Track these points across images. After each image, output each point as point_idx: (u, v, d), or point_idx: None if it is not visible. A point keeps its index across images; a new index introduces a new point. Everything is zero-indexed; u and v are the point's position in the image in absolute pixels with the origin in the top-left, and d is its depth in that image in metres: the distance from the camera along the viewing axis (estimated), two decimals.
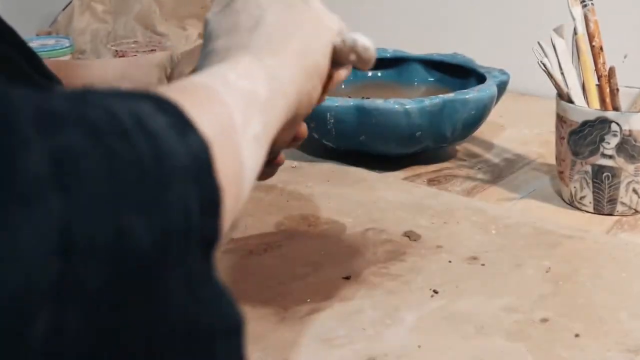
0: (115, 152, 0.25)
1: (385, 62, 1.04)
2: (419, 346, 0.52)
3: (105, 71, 0.63)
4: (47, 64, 0.63)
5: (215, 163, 0.30)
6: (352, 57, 0.47)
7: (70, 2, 1.23)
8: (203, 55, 0.44)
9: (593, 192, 0.72)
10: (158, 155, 0.26)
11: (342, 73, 0.48)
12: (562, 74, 0.73)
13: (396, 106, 0.80)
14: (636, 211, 0.72)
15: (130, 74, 0.61)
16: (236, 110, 0.35)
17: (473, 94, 0.83)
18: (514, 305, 0.57)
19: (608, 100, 0.72)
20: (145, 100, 0.29)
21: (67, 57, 1.11)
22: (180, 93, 0.32)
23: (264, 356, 0.50)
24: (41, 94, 0.25)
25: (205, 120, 0.31)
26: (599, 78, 0.73)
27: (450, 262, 0.64)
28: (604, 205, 0.72)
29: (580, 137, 0.71)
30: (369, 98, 0.84)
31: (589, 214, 0.73)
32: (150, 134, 0.27)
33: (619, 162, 0.70)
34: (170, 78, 0.60)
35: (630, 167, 0.70)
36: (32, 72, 0.49)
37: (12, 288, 0.20)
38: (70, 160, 0.23)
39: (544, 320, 0.54)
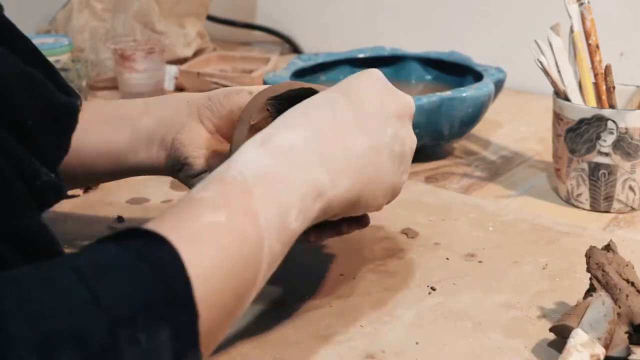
0: None
1: (383, 60, 1.04)
2: (417, 343, 0.52)
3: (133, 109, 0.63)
4: None
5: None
6: None
7: (69, 0, 1.23)
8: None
9: (590, 189, 0.72)
10: None
11: None
12: (559, 71, 0.74)
13: None
14: (632, 208, 0.73)
15: (158, 108, 0.61)
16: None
17: (470, 91, 0.83)
18: (511, 301, 0.57)
19: (604, 97, 0.73)
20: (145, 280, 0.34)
21: (66, 56, 1.11)
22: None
23: (262, 353, 0.51)
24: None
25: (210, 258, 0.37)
26: (595, 76, 0.74)
27: (447, 259, 0.64)
28: (601, 202, 0.73)
29: (577, 135, 0.71)
30: None
31: (586, 211, 0.74)
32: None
33: (616, 159, 0.70)
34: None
35: (626, 165, 0.70)
36: (54, 90, 0.50)
37: None
38: None
39: (541, 316, 0.55)
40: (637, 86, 0.76)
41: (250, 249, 0.39)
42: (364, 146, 0.48)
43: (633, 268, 0.52)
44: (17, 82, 0.46)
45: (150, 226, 0.37)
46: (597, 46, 0.73)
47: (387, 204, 0.54)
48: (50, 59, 1.06)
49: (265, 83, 0.90)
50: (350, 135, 0.47)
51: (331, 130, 0.46)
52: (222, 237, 0.38)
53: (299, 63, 0.99)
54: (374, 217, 0.72)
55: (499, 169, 0.86)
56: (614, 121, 0.69)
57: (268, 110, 0.55)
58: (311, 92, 0.54)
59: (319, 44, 1.36)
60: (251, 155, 0.42)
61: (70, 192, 0.75)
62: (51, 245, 0.47)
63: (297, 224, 0.42)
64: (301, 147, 0.44)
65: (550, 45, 0.74)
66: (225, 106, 0.59)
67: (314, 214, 0.44)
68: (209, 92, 0.61)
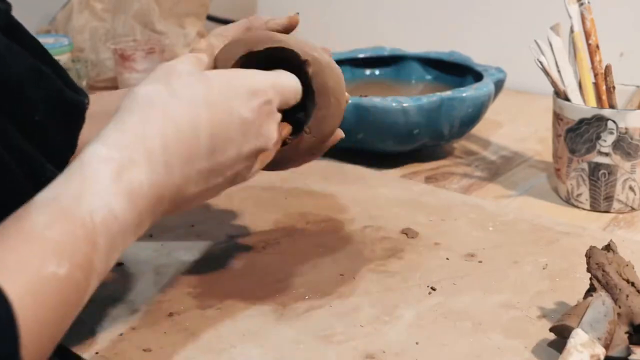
0: None
1: (383, 61, 1.05)
2: (417, 343, 0.52)
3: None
4: None
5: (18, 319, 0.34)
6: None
7: (69, 0, 1.23)
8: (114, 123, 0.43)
9: (590, 189, 0.72)
10: None
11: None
12: (559, 71, 0.74)
13: (394, 104, 0.81)
14: (632, 208, 0.73)
15: None
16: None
17: (470, 91, 0.83)
18: (511, 301, 0.57)
19: (604, 97, 0.73)
20: None
21: (66, 56, 1.11)
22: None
23: (262, 353, 0.51)
24: None
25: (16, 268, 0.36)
26: (595, 76, 0.74)
27: (447, 259, 0.64)
28: (601, 202, 0.73)
29: (577, 135, 0.71)
30: (367, 96, 0.84)
31: (586, 211, 0.74)
32: None
33: (616, 159, 0.70)
34: None
35: (626, 165, 0.70)
36: (63, 87, 0.50)
37: None
38: None
39: (541, 316, 0.55)
40: (637, 86, 0.76)
41: (78, 297, 0.39)
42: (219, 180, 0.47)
43: (633, 268, 0.52)
44: (27, 75, 0.46)
45: None
46: (597, 46, 0.73)
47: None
48: None
49: None
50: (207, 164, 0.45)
51: (180, 166, 0.44)
52: (58, 289, 0.37)
53: None
54: (375, 217, 0.72)
55: (499, 169, 0.86)
56: (614, 121, 0.69)
57: (240, 64, 0.53)
58: (287, 52, 0.53)
59: (319, 43, 1.36)
60: (103, 193, 0.40)
61: None
62: None
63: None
64: (145, 189, 0.42)
65: (550, 45, 0.74)
66: None
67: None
68: None
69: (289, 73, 0.52)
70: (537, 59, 0.72)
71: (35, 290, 0.36)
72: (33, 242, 0.37)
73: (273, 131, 0.49)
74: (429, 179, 0.83)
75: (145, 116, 0.42)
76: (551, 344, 0.51)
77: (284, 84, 0.50)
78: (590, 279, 0.52)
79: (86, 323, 0.53)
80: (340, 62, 1.03)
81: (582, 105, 0.73)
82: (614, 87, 0.72)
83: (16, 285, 0.35)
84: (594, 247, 0.53)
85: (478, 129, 0.95)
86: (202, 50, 0.54)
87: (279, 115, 0.50)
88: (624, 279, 0.51)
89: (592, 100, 0.74)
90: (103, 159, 0.40)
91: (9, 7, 0.53)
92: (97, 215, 0.39)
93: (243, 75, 0.48)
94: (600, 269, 0.51)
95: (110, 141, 0.40)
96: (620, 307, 0.49)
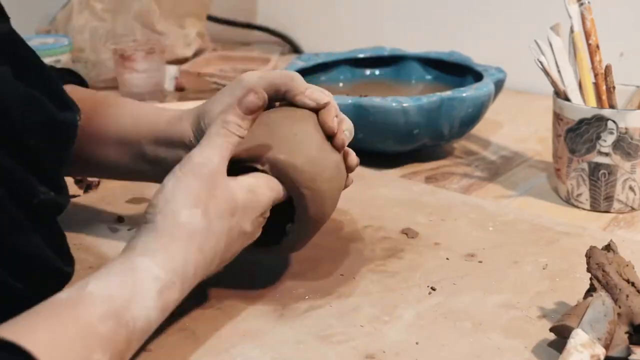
0: None
1: (383, 61, 1.05)
2: (417, 343, 0.52)
3: (137, 119, 0.64)
4: (85, 94, 0.64)
5: None
6: None
7: (69, 0, 1.23)
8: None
9: (590, 189, 0.72)
10: None
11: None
12: (559, 71, 0.74)
13: (394, 104, 0.81)
14: (632, 208, 0.73)
15: (164, 130, 0.62)
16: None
17: (470, 92, 0.83)
18: (511, 301, 0.57)
19: (604, 98, 0.73)
20: None
21: (66, 56, 1.11)
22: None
23: (262, 353, 0.51)
24: None
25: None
26: (595, 76, 0.74)
27: (447, 259, 0.64)
28: (601, 202, 0.73)
29: (577, 135, 0.71)
30: (367, 96, 0.84)
31: (586, 211, 0.74)
32: None
33: (616, 159, 0.70)
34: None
35: (626, 165, 0.70)
36: (54, 110, 0.51)
37: None
38: None
39: (541, 316, 0.55)
40: (637, 86, 0.76)
41: None
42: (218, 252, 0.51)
43: (633, 268, 0.52)
44: (19, 104, 0.47)
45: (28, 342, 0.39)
46: (597, 46, 0.73)
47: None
48: (50, 59, 1.07)
49: None
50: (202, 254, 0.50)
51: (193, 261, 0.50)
52: None
53: (299, 63, 0.99)
54: (375, 217, 0.72)
55: (499, 169, 0.86)
56: (614, 121, 0.69)
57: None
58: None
59: (319, 44, 1.36)
60: (147, 305, 0.46)
61: (70, 192, 0.75)
62: (47, 263, 0.48)
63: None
64: (176, 302, 0.49)
65: (550, 45, 0.74)
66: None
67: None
68: (197, 111, 0.61)
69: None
70: (537, 59, 0.72)
71: None
72: (86, 332, 0.42)
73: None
74: (429, 179, 0.83)
75: (186, 246, 0.49)
76: (551, 344, 0.51)
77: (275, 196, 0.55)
78: (590, 279, 0.52)
79: None
80: (340, 62, 1.03)
81: (582, 105, 0.73)
82: (614, 87, 0.72)
83: None
84: (594, 247, 0.53)
85: (478, 129, 0.95)
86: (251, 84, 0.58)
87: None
88: (624, 279, 0.51)
89: (592, 100, 0.74)
90: (152, 277, 0.47)
91: (7, 23, 0.53)
92: (138, 321, 0.45)
93: (260, 198, 0.53)
94: (600, 269, 0.51)
95: (160, 262, 0.48)
96: (620, 307, 0.49)
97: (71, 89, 0.63)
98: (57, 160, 0.53)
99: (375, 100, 0.81)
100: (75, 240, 0.67)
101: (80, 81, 0.71)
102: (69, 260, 0.53)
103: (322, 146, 0.56)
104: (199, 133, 0.59)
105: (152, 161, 0.63)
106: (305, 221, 0.55)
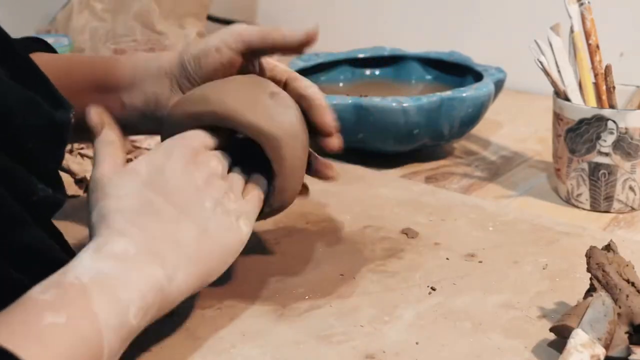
0: None
1: (383, 61, 1.05)
2: (417, 343, 0.52)
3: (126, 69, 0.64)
4: (51, 59, 0.64)
5: None
6: None
7: (69, 0, 1.23)
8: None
9: (590, 189, 0.72)
10: None
11: None
12: (559, 71, 0.74)
13: (394, 104, 0.81)
14: (633, 208, 0.73)
15: (141, 81, 0.61)
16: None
17: (470, 91, 0.83)
18: (511, 301, 0.57)
19: (604, 98, 0.73)
20: None
21: None
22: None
23: (262, 353, 0.51)
24: None
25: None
26: (595, 76, 0.74)
27: (447, 259, 0.64)
28: (601, 202, 0.73)
29: (577, 135, 0.71)
30: (366, 96, 0.84)
31: (586, 211, 0.74)
32: None
33: (616, 159, 0.70)
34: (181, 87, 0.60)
35: (626, 165, 0.70)
36: (50, 110, 0.51)
37: None
38: None
39: (541, 316, 0.55)
40: (637, 86, 0.76)
41: (90, 348, 0.41)
42: (192, 232, 0.49)
43: (633, 268, 0.52)
44: (18, 106, 0.47)
45: None
46: (597, 46, 0.73)
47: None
48: None
49: None
50: (176, 227, 0.49)
51: (158, 230, 0.48)
52: (62, 337, 0.40)
53: (299, 63, 0.99)
54: (375, 217, 0.72)
55: (499, 169, 0.86)
56: (614, 121, 0.69)
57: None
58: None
59: (319, 44, 1.35)
60: (87, 261, 0.44)
61: (70, 192, 0.75)
62: (51, 254, 0.48)
63: (136, 320, 0.44)
64: (132, 250, 0.46)
65: (550, 45, 0.74)
66: (199, 74, 0.60)
67: (155, 309, 0.46)
68: (180, 57, 0.60)
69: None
70: (537, 59, 0.72)
71: (38, 339, 0.39)
72: (27, 305, 0.41)
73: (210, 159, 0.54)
74: (429, 179, 0.83)
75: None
76: (551, 344, 0.51)
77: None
78: (590, 279, 0.52)
79: None
80: (340, 62, 1.03)
81: (582, 105, 0.73)
82: (614, 87, 0.72)
83: (18, 339, 0.38)
84: (594, 247, 0.53)
85: (478, 129, 0.95)
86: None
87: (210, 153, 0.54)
88: (624, 279, 0.51)
89: (592, 100, 0.74)
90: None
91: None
92: (83, 275, 0.43)
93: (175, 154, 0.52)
94: (600, 269, 0.51)
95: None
96: (620, 307, 0.49)
97: (38, 57, 0.63)
98: (53, 158, 0.53)
99: (375, 100, 0.81)
100: (75, 240, 0.67)
101: (47, 47, 0.70)
102: (70, 253, 0.52)
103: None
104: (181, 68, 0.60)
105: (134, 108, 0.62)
106: (282, 166, 0.55)
